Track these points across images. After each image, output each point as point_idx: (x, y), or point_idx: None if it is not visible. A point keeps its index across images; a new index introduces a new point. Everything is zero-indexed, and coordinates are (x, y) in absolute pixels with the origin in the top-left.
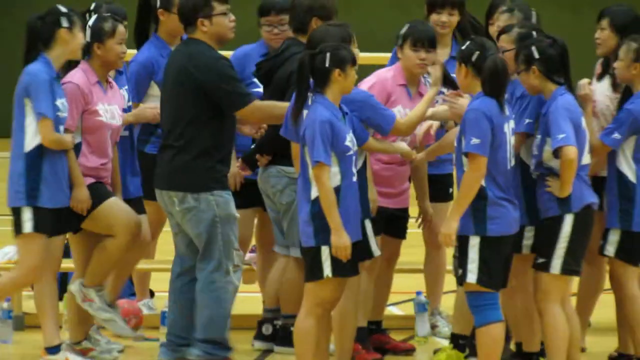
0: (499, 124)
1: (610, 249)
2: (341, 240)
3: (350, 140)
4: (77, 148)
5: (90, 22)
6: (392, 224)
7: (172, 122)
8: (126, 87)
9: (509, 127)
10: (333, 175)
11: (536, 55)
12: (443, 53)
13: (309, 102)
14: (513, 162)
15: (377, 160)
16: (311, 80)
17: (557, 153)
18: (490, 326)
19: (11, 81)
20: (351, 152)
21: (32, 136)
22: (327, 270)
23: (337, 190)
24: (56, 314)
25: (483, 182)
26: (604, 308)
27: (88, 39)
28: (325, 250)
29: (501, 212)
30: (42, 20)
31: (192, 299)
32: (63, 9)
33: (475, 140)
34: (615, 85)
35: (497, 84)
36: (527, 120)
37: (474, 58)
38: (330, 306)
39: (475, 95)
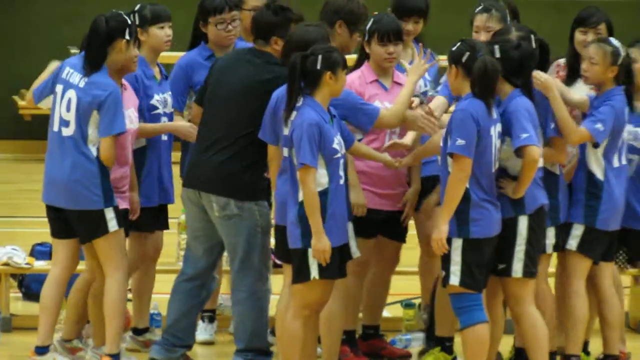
0: (485, 127)
1: (573, 243)
2: (320, 243)
3: (338, 143)
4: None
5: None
6: (389, 227)
7: (228, 127)
8: (169, 92)
9: (495, 130)
10: (320, 178)
11: (497, 55)
12: (406, 55)
13: (299, 104)
14: (497, 165)
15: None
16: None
17: (519, 152)
18: (475, 327)
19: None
20: (339, 155)
21: (95, 147)
22: (314, 272)
23: (325, 193)
24: (56, 316)
25: (467, 184)
26: None
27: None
28: (311, 252)
29: (484, 214)
30: (107, 24)
31: (199, 304)
32: (129, 20)
33: (460, 141)
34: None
35: (486, 85)
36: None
37: (464, 59)
38: (318, 308)
39: (464, 97)
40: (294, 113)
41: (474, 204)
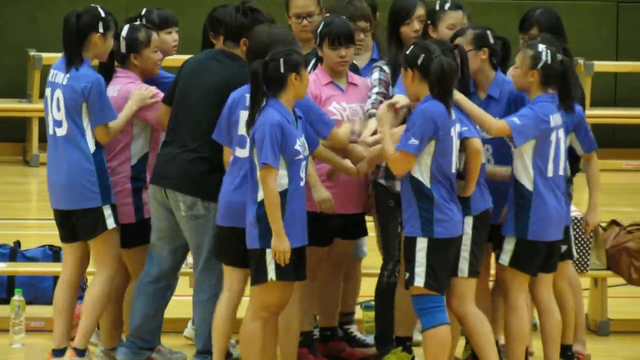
0: (446, 128)
1: (505, 258)
2: (281, 244)
3: (300, 145)
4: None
5: (124, 33)
6: (346, 228)
7: (197, 127)
8: None
9: (455, 130)
10: (280, 179)
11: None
12: (364, 57)
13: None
14: (458, 165)
15: None
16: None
17: (460, 148)
18: (437, 329)
19: None
20: (301, 157)
21: (93, 139)
22: (272, 273)
23: (284, 193)
24: (70, 318)
25: (429, 184)
26: None
27: (123, 50)
28: (269, 253)
29: (448, 215)
30: (79, 19)
31: (164, 305)
32: (102, 13)
33: (413, 141)
34: None
35: (444, 85)
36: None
37: (419, 61)
38: (277, 310)
39: (423, 99)
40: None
41: (437, 204)
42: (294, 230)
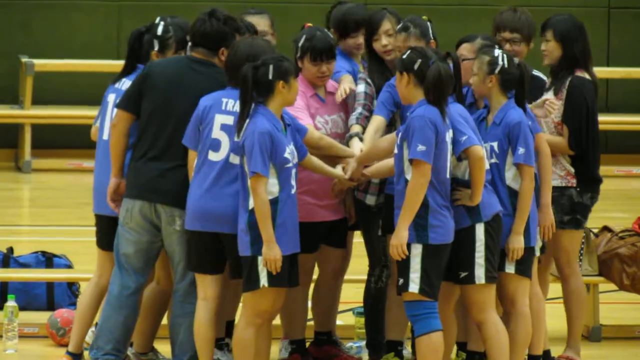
0: (441, 132)
1: (511, 267)
2: (271, 252)
3: (290, 152)
4: None
5: (159, 32)
6: (332, 235)
7: (180, 140)
8: None
9: (449, 136)
10: (271, 187)
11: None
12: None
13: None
14: (450, 171)
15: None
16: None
17: (463, 157)
18: (431, 335)
19: None
20: (290, 165)
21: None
22: (264, 280)
23: (275, 201)
24: (88, 324)
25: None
26: (555, 318)
27: (156, 48)
28: (261, 260)
29: (442, 221)
30: (142, 35)
31: (137, 316)
32: (159, 31)
33: (421, 147)
34: (556, 92)
35: (440, 91)
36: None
37: (416, 66)
38: (270, 316)
39: (417, 103)
40: (247, 121)
41: (432, 210)
42: (286, 238)
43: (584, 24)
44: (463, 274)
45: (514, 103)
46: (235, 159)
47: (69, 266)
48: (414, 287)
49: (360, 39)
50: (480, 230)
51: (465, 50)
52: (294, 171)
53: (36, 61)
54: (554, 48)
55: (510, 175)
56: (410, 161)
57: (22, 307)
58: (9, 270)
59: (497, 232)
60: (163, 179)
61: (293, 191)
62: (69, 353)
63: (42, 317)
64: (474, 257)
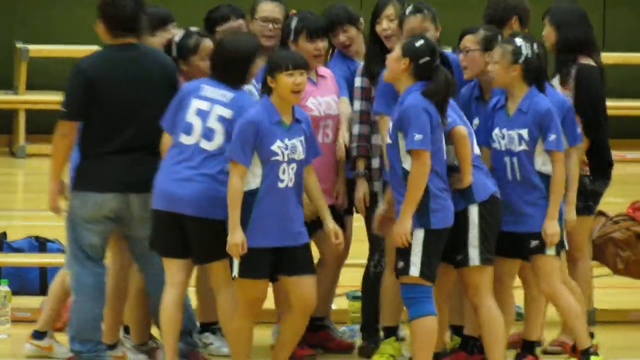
0: (435, 117)
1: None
2: (233, 238)
3: (281, 146)
4: None
5: (177, 38)
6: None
7: (151, 123)
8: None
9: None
10: (251, 177)
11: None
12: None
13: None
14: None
15: None
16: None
17: (449, 139)
18: (425, 319)
19: None
20: (279, 159)
21: None
22: (235, 270)
23: (254, 193)
24: (118, 313)
25: None
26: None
27: (174, 54)
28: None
29: (442, 205)
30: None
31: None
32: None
33: (418, 136)
34: (563, 82)
35: (443, 95)
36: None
37: (422, 61)
38: (254, 304)
39: (407, 91)
40: None
41: (433, 194)
42: (261, 231)
43: (585, 11)
44: (459, 257)
45: (537, 90)
46: (205, 144)
47: (63, 251)
48: (415, 270)
49: (342, 37)
50: (474, 212)
51: (469, 41)
52: (285, 166)
53: (31, 47)
54: (549, 32)
55: (540, 161)
56: (409, 151)
57: (15, 292)
58: (2, 254)
59: (493, 214)
60: (137, 168)
61: (281, 185)
62: (109, 346)
63: (35, 302)
64: (468, 239)
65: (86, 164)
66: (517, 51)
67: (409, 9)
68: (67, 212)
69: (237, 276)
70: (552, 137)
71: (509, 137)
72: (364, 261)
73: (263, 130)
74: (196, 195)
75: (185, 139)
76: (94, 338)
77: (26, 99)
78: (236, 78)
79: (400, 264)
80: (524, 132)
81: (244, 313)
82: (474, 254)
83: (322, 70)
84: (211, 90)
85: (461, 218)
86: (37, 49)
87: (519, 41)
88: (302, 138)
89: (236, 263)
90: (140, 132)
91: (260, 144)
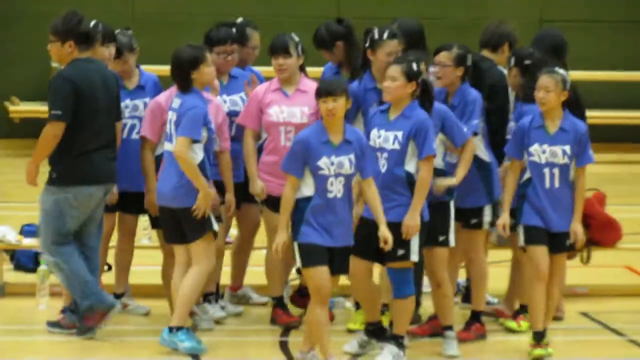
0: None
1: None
2: (279, 237)
3: (326, 162)
4: (158, 160)
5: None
6: None
7: (111, 127)
8: (242, 93)
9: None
10: (305, 186)
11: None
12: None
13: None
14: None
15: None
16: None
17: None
18: (412, 298)
19: None
20: (325, 172)
21: None
22: (299, 263)
23: (308, 199)
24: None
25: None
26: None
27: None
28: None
29: (428, 200)
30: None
31: None
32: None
33: (433, 145)
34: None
35: (430, 103)
36: (475, 122)
37: (420, 79)
38: (320, 291)
39: (410, 106)
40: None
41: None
42: (313, 229)
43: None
44: (441, 238)
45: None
46: (169, 147)
47: None
48: (415, 257)
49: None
50: (452, 205)
51: (444, 57)
52: (332, 179)
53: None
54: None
55: (572, 173)
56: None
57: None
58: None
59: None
60: (113, 162)
61: (330, 196)
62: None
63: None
64: (449, 225)
65: (75, 161)
66: (565, 79)
67: (385, 34)
68: (49, 204)
69: (301, 267)
70: (589, 152)
71: (551, 152)
72: None
73: (312, 148)
74: (172, 190)
75: (168, 146)
76: (91, 295)
77: None
78: (180, 84)
79: (401, 252)
80: (567, 148)
81: (315, 301)
82: (452, 238)
83: (308, 85)
84: (177, 101)
85: (444, 208)
86: None
87: (562, 71)
88: (351, 156)
89: (298, 258)
90: (110, 131)
91: (308, 159)
